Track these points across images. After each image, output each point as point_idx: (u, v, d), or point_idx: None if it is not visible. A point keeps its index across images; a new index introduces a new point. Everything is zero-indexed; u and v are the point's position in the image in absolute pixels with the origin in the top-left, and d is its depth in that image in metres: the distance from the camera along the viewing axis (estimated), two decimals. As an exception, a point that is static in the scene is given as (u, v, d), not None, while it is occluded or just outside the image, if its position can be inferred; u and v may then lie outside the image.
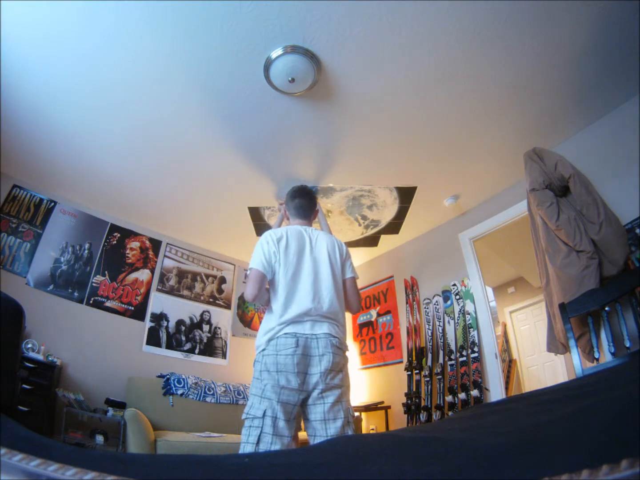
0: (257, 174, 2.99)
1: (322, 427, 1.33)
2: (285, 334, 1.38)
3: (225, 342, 4.01)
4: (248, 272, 1.54)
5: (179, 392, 3.15)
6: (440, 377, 3.09)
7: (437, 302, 3.49)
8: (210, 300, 4.08)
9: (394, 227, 3.60)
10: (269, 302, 1.54)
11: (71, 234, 3.37)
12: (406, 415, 3.15)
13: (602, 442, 0.32)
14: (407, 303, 3.74)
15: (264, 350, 1.39)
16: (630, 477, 0.25)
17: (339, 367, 1.42)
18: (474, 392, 2.77)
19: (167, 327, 3.66)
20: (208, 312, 4.01)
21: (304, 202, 1.84)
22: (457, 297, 3.29)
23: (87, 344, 3.08)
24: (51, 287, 3.11)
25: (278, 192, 3.19)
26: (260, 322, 1.56)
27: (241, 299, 4.34)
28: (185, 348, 3.69)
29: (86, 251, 3.42)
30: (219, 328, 4.02)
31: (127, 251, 3.68)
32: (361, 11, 1.80)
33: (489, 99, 2.34)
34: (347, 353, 1.54)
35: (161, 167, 2.95)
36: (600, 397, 0.58)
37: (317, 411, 1.35)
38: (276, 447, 1.24)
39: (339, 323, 1.51)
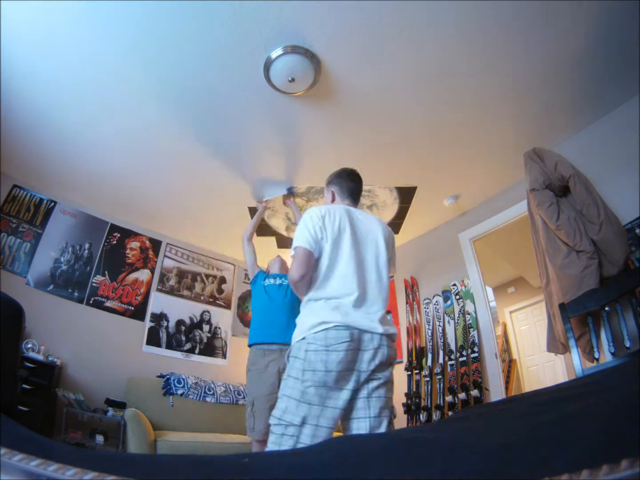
0: (257, 173, 2.98)
1: (366, 427, 1.20)
2: (337, 325, 1.17)
3: (225, 342, 4.01)
4: (292, 254, 1.34)
5: (179, 392, 3.15)
6: (440, 377, 3.09)
7: (437, 302, 3.49)
8: (210, 300, 4.08)
9: (394, 227, 3.60)
10: (308, 287, 1.34)
11: (71, 234, 3.37)
12: (406, 415, 3.15)
13: (602, 442, 0.32)
14: (407, 303, 3.74)
15: (309, 344, 1.17)
16: (630, 477, 0.25)
17: (389, 361, 1.30)
18: (474, 392, 2.76)
19: (167, 327, 3.66)
20: (208, 312, 4.01)
21: (355, 186, 1.72)
22: (457, 297, 3.29)
23: (87, 344, 3.08)
24: (51, 287, 3.11)
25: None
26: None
27: (241, 299, 4.34)
28: (185, 348, 3.69)
29: (86, 251, 3.42)
30: (219, 328, 4.02)
31: (127, 251, 3.68)
32: (361, 11, 1.80)
33: (489, 99, 2.34)
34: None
35: (161, 167, 2.95)
36: (600, 397, 0.58)
37: (365, 413, 1.21)
38: None
39: (386, 311, 1.36)
